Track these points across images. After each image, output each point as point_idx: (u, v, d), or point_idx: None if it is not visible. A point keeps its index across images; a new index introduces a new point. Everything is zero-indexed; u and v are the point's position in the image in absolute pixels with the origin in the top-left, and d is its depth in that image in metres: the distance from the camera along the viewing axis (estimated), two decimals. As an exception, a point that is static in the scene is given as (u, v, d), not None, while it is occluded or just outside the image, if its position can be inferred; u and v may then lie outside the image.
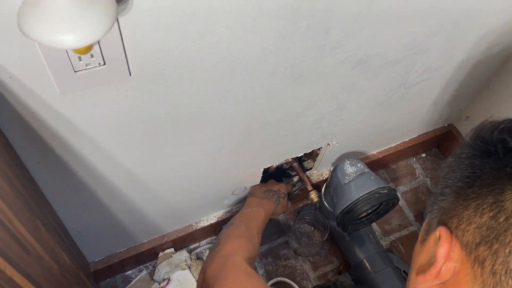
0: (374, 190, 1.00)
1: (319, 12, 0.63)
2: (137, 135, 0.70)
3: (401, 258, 1.21)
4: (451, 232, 0.38)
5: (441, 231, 0.39)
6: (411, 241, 1.25)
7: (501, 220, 0.34)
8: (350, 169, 1.05)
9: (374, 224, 1.28)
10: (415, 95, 1.04)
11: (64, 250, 0.74)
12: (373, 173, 1.06)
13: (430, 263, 0.39)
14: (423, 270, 0.40)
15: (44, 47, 0.48)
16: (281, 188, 1.07)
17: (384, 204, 1.05)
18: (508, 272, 0.33)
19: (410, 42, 0.81)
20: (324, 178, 1.22)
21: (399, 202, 1.26)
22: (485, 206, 0.36)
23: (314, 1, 0.60)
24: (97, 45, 0.51)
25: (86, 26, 0.39)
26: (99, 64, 0.53)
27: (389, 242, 1.25)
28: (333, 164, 1.21)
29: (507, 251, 0.33)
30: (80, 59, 0.51)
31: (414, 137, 1.31)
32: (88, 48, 0.45)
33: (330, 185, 1.09)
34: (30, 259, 0.49)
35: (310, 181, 1.18)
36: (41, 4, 0.38)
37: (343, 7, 0.65)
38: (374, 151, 1.27)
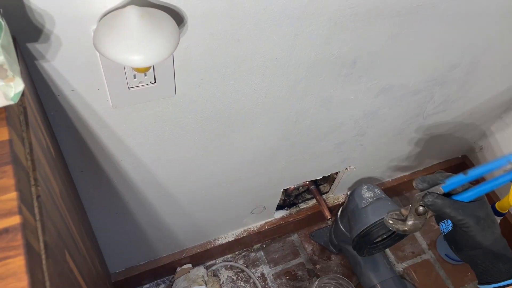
0: (390, 215, 1.02)
1: (349, 43, 0.68)
2: (173, 150, 0.74)
3: (414, 285, 1.23)
4: None
5: None
6: (424, 268, 1.27)
7: None
8: (367, 193, 1.08)
9: (387, 250, 1.30)
10: (432, 126, 1.08)
11: (97, 257, 0.78)
12: (389, 198, 1.09)
13: None
14: None
15: (106, 65, 0.53)
16: None
17: (399, 230, 1.07)
18: None
19: (430, 74, 0.86)
20: (340, 202, 1.26)
21: (413, 230, 1.28)
22: None
23: (345, 33, 0.66)
24: (152, 65, 0.56)
25: (153, 49, 0.44)
26: (150, 82, 0.58)
27: (402, 269, 1.27)
28: (349, 188, 1.25)
29: None
30: (134, 77, 0.57)
31: (428, 167, 1.34)
32: (149, 67, 0.50)
33: (347, 208, 1.12)
34: (80, 257, 0.53)
35: (326, 205, 1.22)
36: (116, 27, 0.44)
37: (371, 40, 0.70)
38: (389, 178, 1.30)
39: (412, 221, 0.66)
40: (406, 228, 0.67)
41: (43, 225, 0.33)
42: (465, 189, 0.63)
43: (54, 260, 0.35)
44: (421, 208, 0.65)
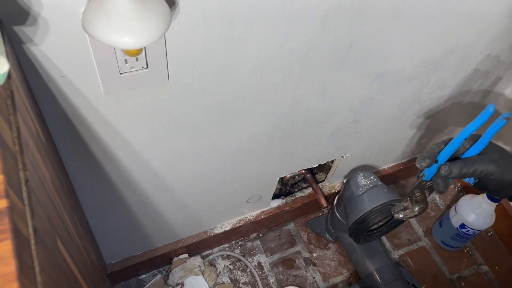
0: (386, 202, 1.02)
1: (344, 28, 0.67)
2: (167, 138, 0.73)
3: (410, 272, 1.23)
4: None
5: None
6: (420, 255, 1.27)
7: None
8: (363, 181, 1.08)
9: (383, 238, 1.30)
10: (428, 112, 1.07)
11: (92, 248, 0.77)
12: (385, 185, 1.09)
13: None
14: None
15: (96, 49, 0.52)
16: None
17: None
18: None
19: (426, 59, 0.86)
20: (336, 190, 1.25)
21: (409, 217, 1.28)
22: None
23: (340, 17, 0.65)
24: (143, 49, 0.55)
25: (144, 30, 0.43)
26: (142, 67, 0.57)
27: (398, 256, 1.27)
28: (345, 176, 1.24)
29: None
30: (126, 62, 0.55)
31: (424, 154, 1.34)
32: (140, 51, 0.49)
33: (343, 196, 1.12)
34: (73, 245, 0.52)
35: (323, 193, 1.21)
36: (105, 8, 0.42)
37: (366, 24, 0.69)
38: (385, 166, 1.30)
39: (417, 206, 0.69)
40: (417, 213, 0.70)
41: (32, 210, 0.32)
42: (467, 148, 0.62)
43: (44, 246, 0.34)
44: (418, 196, 0.67)
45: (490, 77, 1.05)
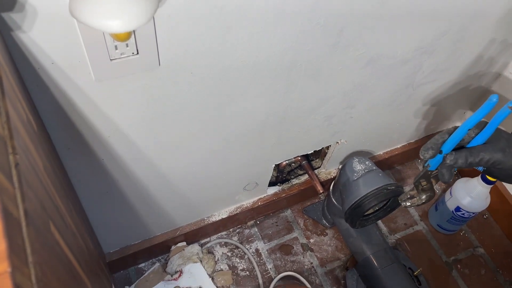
0: (382, 186, 1.03)
1: (335, 11, 0.67)
2: (161, 125, 0.73)
3: (407, 255, 1.24)
4: None
5: None
6: (416, 239, 1.28)
7: None
8: (358, 166, 1.08)
9: (380, 223, 1.31)
10: (422, 96, 1.08)
11: (89, 236, 0.77)
12: (381, 170, 1.09)
13: None
14: None
15: (85, 35, 0.52)
16: None
17: (391, 201, 1.08)
18: None
19: (418, 43, 0.85)
20: (332, 177, 1.26)
21: (405, 201, 1.29)
22: None
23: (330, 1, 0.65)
24: (133, 35, 0.55)
25: (132, 13, 0.43)
26: (133, 53, 0.57)
27: (394, 240, 1.28)
28: (340, 162, 1.25)
29: None
30: (116, 48, 0.55)
31: (420, 139, 1.34)
32: (129, 35, 0.49)
33: (339, 182, 1.13)
34: (68, 232, 0.52)
35: (319, 179, 1.22)
36: (92, -8, 0.42)
37: (357, 6, 0.69)
38: (380, 151, 1.30)
39: (424, 195, 0.70)
40: (424, 201, 0.70)
41: (22, 193, 0.33)
42: (472, 137, 0.62)
43: (36, 229, 0.34)
44: (425, 185, 0.68)
45: (495, 62, 1.05)
